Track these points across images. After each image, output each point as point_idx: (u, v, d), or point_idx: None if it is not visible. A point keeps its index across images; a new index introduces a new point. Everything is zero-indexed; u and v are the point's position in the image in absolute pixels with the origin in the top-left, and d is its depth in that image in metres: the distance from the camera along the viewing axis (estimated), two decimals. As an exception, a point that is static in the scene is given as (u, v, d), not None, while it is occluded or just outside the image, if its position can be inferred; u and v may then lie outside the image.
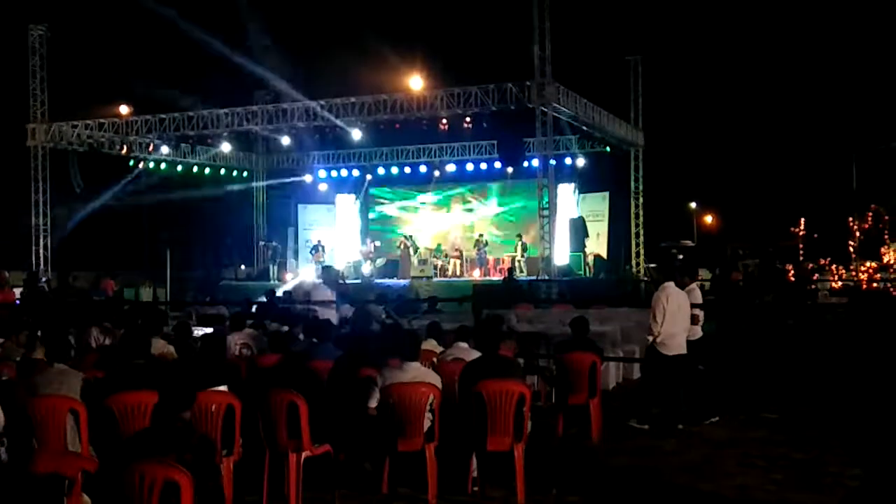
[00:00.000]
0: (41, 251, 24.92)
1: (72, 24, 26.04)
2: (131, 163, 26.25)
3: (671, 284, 9.11)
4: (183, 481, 4.23)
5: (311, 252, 27.42)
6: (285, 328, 10.14)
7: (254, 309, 13.33)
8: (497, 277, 23.41)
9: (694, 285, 9.90)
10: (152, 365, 7.11)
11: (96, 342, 9.60)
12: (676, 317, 8.93)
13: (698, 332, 9.49)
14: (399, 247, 26.65)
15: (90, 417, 6.06)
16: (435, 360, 8.16)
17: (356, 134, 23.59)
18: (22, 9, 25.33)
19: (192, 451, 4.53)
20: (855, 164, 30.69)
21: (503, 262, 25.06)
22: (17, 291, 17.80)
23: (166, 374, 6.76)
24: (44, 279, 22.87)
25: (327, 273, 21.43)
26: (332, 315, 11.37)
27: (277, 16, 31.29)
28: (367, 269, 25.88)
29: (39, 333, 8.53)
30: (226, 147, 26.73)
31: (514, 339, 9.49)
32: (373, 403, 6.75)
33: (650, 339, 8.96)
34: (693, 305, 9.33)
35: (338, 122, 22.71)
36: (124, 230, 26.24)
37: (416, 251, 26.57)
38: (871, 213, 28.39)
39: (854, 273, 26.26)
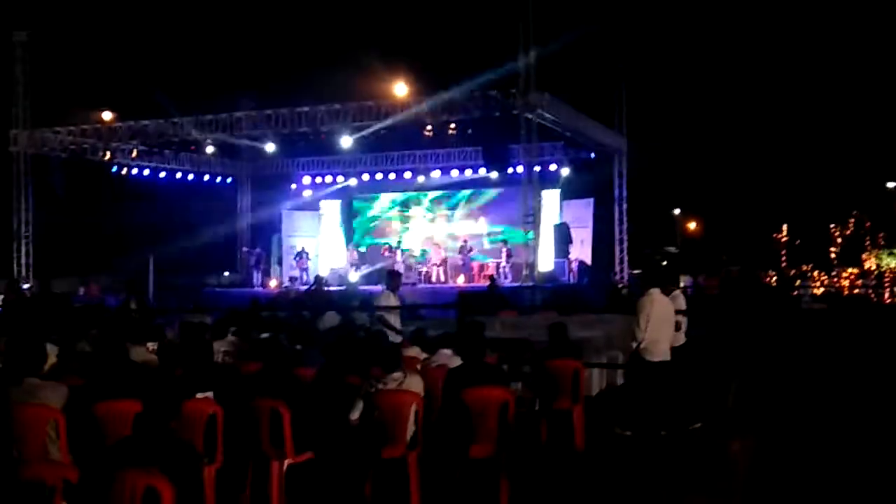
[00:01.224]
0: (23, 258, 24.76)
1: (54, 30, 25.91)
2: (114, 169, 26.13)
3: (656, 291, 9.14)
4: (165, 489, 4.21)
5: (294, 259, 27.38)
6: (268, 335, 10.11)
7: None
8: (482, 284, 23.43)
9: (678, 292, 9.96)
10: (135, 372, 7.08)
11: (80, 350, 9.53)
12: (660, 323, 8.96)
13: (681, 338, 9.54)
14: (383, 254, 26.63)
15: (71, 425, 6.03)
16: (419, 366, 8.17)
17: (345, 141, 23.59)
18: (4, 15, 25.20)
19: (174, 458, 4.51)
20: (837, 170, 30.94)
21: (487, 269, 25.09)
22: (-1, 298, 17.68)
23: (150, 382, 6.73)
24: (25, 286, 22.73)
25: (318, 282, 21.52)
26: (395, 321, 11.29)
27: (263, 22, 31.30)
28: (352, 276, 25.85)
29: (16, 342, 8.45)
30: (210, 153, 26.65)
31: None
32: (354, 415, 6.75)
33: (634, 345, 8.99)
34: (677, 312, 9.37)
35: (322, 128, 22.70)
36: (106, 236, 26.09)
37: (400, 258, 26.55)
38: (852, 220, 28.62)
39: (836, 279, 26.46)
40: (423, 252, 27.27)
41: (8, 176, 24.72)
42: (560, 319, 10.46)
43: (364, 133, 23.17)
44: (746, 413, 4.29)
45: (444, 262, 26.22)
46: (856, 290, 24.13)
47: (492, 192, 27.92)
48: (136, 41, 28.59)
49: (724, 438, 4.61)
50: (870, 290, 23.50)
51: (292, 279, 26.48)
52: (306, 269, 26.87)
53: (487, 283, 21.71)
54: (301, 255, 27.17)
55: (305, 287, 23.93)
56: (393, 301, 11.82)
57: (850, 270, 26.79)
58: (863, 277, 25.96)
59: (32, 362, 6.46)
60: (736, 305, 19.09)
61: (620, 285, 24.40)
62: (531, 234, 21.84)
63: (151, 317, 13.56)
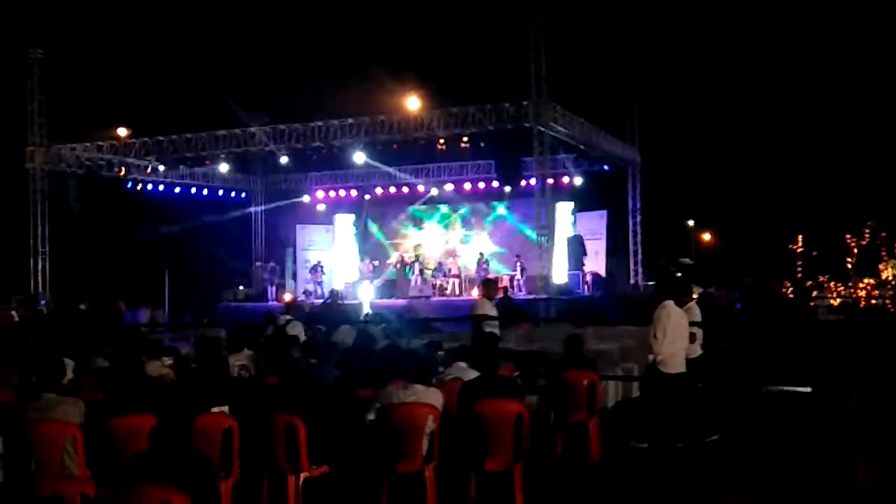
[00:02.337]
0: (39, 274, 24.92)
1: (70, 47, 26.16)
2: (129, 185, 26.30)
3: (670, 303, 9.09)
4: (181, 503, 4.22)
5: (310, 272, 27.43)
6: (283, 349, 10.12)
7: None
8: (497, 297, 23.37)
9: (692, 303, 9.91)
10: (150, 387, 7.11)
11: (96, 365, 9.58)
12: (676, 335, 8.91)
13: (697, 350, 9.49)
14: (396, 267, 26.65)
15: (88, 440, 6.06)
16: (434, 380, 8.16)
17: (359, 157, 23.66)
18: (20, 32, 25.45)
19: (190, 473, 4.53)
20: (852, 181, 30.78)
21: (502, 281, 25.06)
22: (16, 314, 17.79)
23: (165, 397, 6.76)
24: (42, 302, 22.88)
25: (334, 296, 21.56)
26: (495, 329, 11.10)
27: (276, 38, 31.49)
28: (366, 288, 25.87)
29: (36, 357, 8.52)
30: (224, 168, 26.80)
31: (510, 359, 9.50)
32: (370, 416, 6.73)
33: (651, 358, 8.94)
34: (692, 323, 9.33)
35: (335, 143, 22.78)
36: (122, 252, 26.23)
37: (413, 271, 26.60)
38: (867, 230, 28.44)
39: (852, 290, 26.28)
40: (438, 265, 27.29)
41: (24, 192, 24.90)
42: (575, 332, 10.44)
43: (377, 147, 23.25)
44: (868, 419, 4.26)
45: (458, 274, 26.21)
46: (873, 301, 23.95)
47: (504, 206, 27.91)
48: (151, 58, 28.82)
49: (847, 443, 4.55)
50: (887, 301, 23.33)
51: (307, 293, 26.54)
52: (321, 283, 26.92)
53: (501, 295, 21.65)
54: (316, 269, 27.23)
55: (320, 301, 23.97)
56: (489, 309, 11.59)
57: (866, 281, 26.61)
58: (880, 288, 25.78)
59: (50, 377, 6.51)
60: (750, 317, 18.96)
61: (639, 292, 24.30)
62: (544, 240, 21.77)
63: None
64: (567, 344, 9.19)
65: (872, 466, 4.19)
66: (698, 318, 9.74)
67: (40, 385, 6.50)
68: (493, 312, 11.59)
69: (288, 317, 12.58)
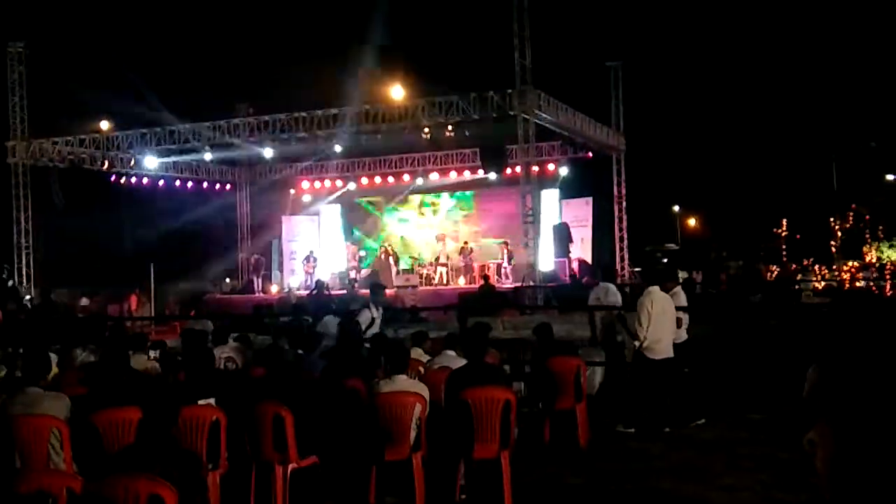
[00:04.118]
0: (23, 268, 24.77)
1: (50, 41, 25.94)
2: (113, 178, 26.13)
3: (656, 289, 9.13)
4: (168, 496, 4.21)
5: (303, 262, 27.40)
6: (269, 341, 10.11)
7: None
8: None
9: (678, 288, 9.94)
10: (136, 380, 7.08)
11: (79, 360, 9.54)
12: (662, 321, 8.95)
13: (683, 335, 9.53)
14: (381, 256, 26.64)
15: (74, 434, 6.03)
16: (422, 369, 8.17)
17: (343, 146, 23.58)
18: (0, 26, 25.22)
19: (176, 465, 4.51)
20: (835, 164, 30.94)
21: (488, 270, 25.09)
22: None
23: (150, 390, 6.73)
24: (27, 297, 22.76)
25: (320, 287, 21.54)
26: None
27: (257, 28, 31.32)
28: (352, 277, 25.85)
29: (20, 351, 8.48)
30: (208, 159, 26.66)
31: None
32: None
33: (637, 344, 8.97)
34: (678, 308, 9.36)
35: (319, 133, 22.69)
36: (106, 245, 26.08)
37: (398, 260, 26.59)
38: (851, 214, 28.60)
39: (837, 273, 26.44)
40: (421, 254, 27.31)
41: (7, 187, 24.72)
42: (556, 319, 10.47)
43: (362, 137, 23.19)
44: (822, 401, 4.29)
45: (445, 263, 26.21)
46: (857, 283, 24.10)
47: (490, 194, 27.89)
48: (133, 50, 28.61)
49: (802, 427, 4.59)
50: (871, 283, 23.47)
51: (301, 283, 26.52)
52: (313, 273, 26.87)
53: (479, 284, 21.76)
54: (308, 259, 27.18)
55: (308, 291, 23.95)
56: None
57: (850, 263, 26.77)
58: (864, 270, 25.95)
59: (35, 372, 6.47)
60: (737, 301, 19.05)
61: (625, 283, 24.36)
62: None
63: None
64: (537, 333, 9.24)
65: (829, 447, 4.24)
66: (684, 303, 9.78)
67: (25, 380, 6.46)
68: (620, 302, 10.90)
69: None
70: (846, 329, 4.51)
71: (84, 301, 23.05)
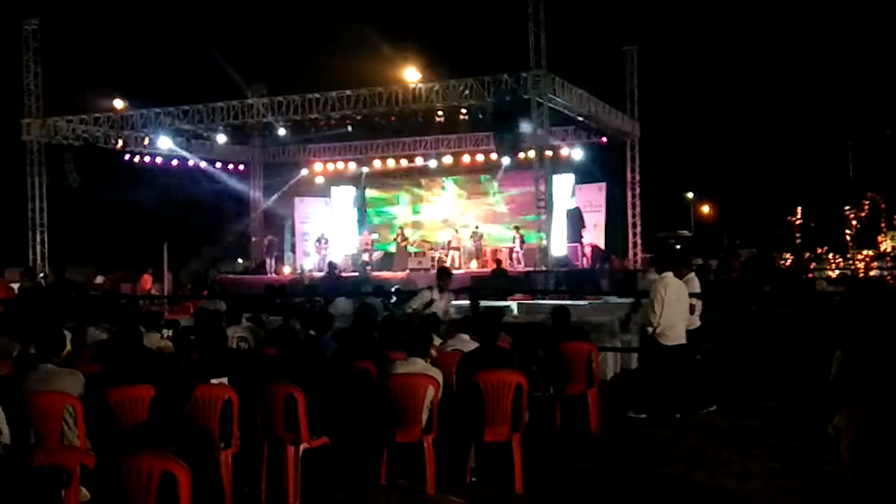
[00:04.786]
0: (38, 247, 24.88)
1: (65, 18, 25.93)
2: (127, 157, 26.17)
3: (669, 275, 9.11)
4: (181, 473, 4.23)
5: (315, 244, 27.43)
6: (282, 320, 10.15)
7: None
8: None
9: (692, 275, 9.91)
10: (149, 358, 7.12)
11: (93, 339, 9.59)
12: (675, 307, 8.93)
13: (696, 321, 9.51)
14: (395, 239, 26.64)
15: (88, 411, 6.07)
16: (434, 352, 8.18)
17: (356, 128, 23.52)
18: (15, 3, 25.22)
19: (190, 443, 4.53)
20: (851, 152, 30.71)
21: (500, 254, 25.08)
22: (16, 287, 17.77)
23: (163, 368, 6.76)
24: (41, 274, 22.86)
25: (332, 268, 21.57)
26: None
27: (273, 8, 31.26)
28: (365, 259, 25.91)
29: (35, 328, 8.52)
30: (221, 140, 26.68)
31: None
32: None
33: (649, 329, 8.96)
34: (691, 295, 9.34)
35: (333, 114, 22.65)
36: (120, 224, 26.17)
37: (412, 243, 26.60)
38: (867, 202, 28.40)
39: (851, 262, 26.30)
40: (434, 238, 27.31)
41: (21, 165, 24.80)
42: (574, 304, 10.46)
43: (376, 119, 23.15)
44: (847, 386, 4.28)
45: (457, 247, 26.21)
46: (871, 273, 23.96)
47: (503, 178, 27.84)
48: (148, 29, 28.61)
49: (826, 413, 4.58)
50: (885, 273, 23.33)
51: (314, 265, 26.59)
52: (325, 256, 26.93)
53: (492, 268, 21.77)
54: (320, 241, 27.21)
55: (320, 273, 24.01)
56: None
57: (865, 252, 26.61)
58: (878, 259, 25.80)
59: (49, 349, 6.51)
60: (749, 289, 18.98)
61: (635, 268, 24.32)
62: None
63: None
64: (554, 316, 9.23)
65: (854, 433, 4.22)
66: (697, 289, 9.75)
67: (39, 356, 6.50)
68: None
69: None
70: (868, 316, 4.50)
71: (99, 279, 23.16)
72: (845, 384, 4.37)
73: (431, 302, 10.70)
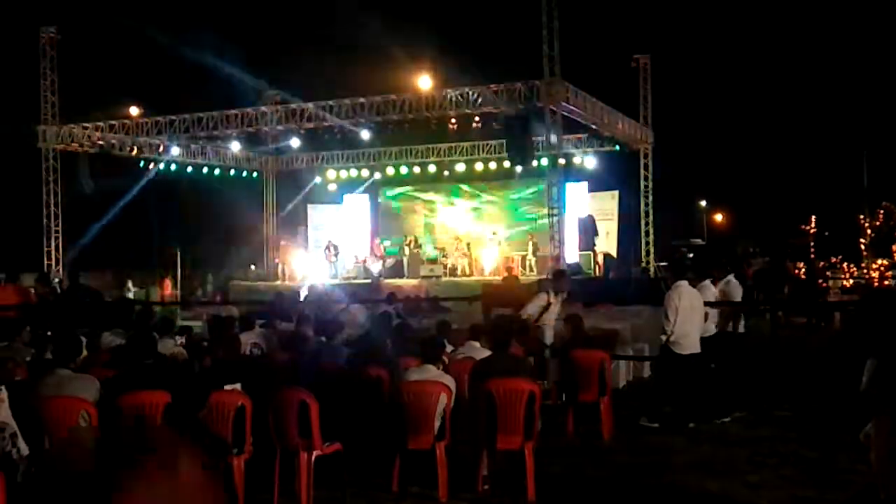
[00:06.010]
0: (52, 252, 25.02)
1: (82, 26, 26.11)
2: (142, 164, 26.32)
3: (684, 283, 9.08)
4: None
5: (325, 251, 27.50)
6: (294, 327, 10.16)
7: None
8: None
9: (707, 282, 9.86)
10: (164, 365, 7.14)
11: (108, 344, 9.63)
12: (690, 315, 8.89)
13: (711, 328, 9.48)
14: (408, 245, 26.67)
15: (101, 417, 6.09)
16: (446, 359, 8.17)
17: (365, 134, 23.58)
18: (32, 11, 25.43)
19: (203, 450, 4.54)
20: (865, 160, 30.56)
21: (512, 261, 25.08)
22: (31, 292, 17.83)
23: (178, 374, 6.79)
24: (56, 280, 22.97)
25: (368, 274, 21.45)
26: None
27: (287, 16, 31.38)
28: (377, 267, 25.92)
29: (50, 333, 8.57)
30: (235, 147, 26.79)
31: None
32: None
33: (664, 338, 8.93)
34: (704, 303, 9.31)
35: (346, 122, 22.71)
36: (135, 231, 26.31)
37: (424, 251, 26.61)
38: (881, 211, 28.23)
39: (865, 271, 26.14)
40: (446, 245, 27.34)
41: (37, 171, 24.97)
42: (587, 312, 10.44)
43: (388, 126, 23.20)
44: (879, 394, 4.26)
45: (469, 254, 26.20)
46: (886, 282, 23.81)
47: (516, 186, 27.86)
48: (163, 36, 28.76)
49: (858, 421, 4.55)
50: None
51: (325, 272, 26.64)
52: (335, 263, 26.98)
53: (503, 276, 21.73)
54: (329, 249, 27.28)
55: (333, 280, 24.05)
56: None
57: (879, 262, 26.44)
58: (893, 268, 25.62)
59: (66, 354, 6.54)
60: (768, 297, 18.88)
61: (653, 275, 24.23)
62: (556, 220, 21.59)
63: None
64: (567, 323, 9.23)
65: (886, 442, 4.19)
66: (711, 297, 9.71)
67: (55, 361, 6.54)
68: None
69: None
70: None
71: (132, 288, 23.35)
72: (877, 393, 4.34)
73: (548, 306, 10.21)
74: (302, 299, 18.06)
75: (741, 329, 10.04)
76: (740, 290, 10.27)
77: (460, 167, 28.11)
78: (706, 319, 9.31)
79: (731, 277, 10.04)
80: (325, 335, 8.64)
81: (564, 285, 10.83)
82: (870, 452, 4.38)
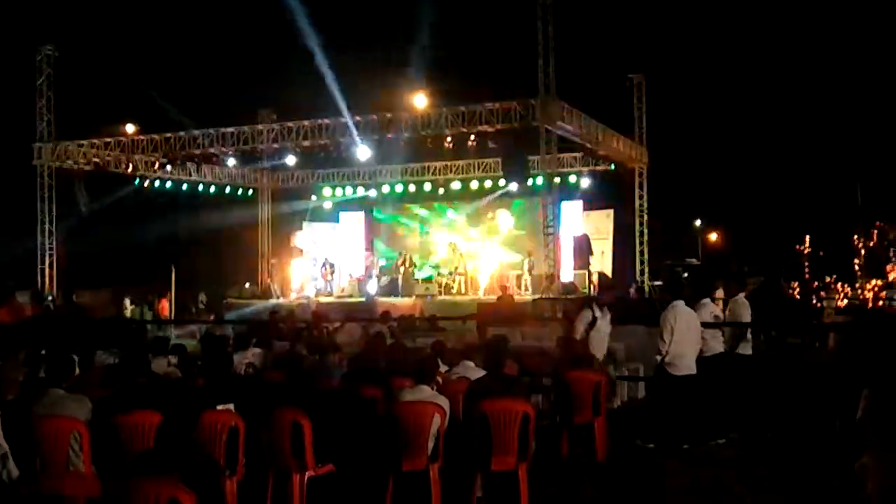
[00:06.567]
0: (46, 270, 24.96)
1: (78, 45, 26.15)
2: (137, 182, 26.31)
3: (680, 303, 9.06)
4: (187, 500, 4.21)
5: (320, 269, 27.47)
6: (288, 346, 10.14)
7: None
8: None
9: (706, 300, 9.84)
10: (157, 384, 7.11)
11: (101, 363, 9.58)
12: (685, 336, 8.86)
13: (717, 347, 9.47)
14: (402, 264, 26.66)
15: (94, 436, 6.06)
16: (440, 379, 8.15)
17: (362, 153, 23.63)
18: (29, 29, 25.46)
19: (196, 470, 4.52)
20: (859, 181, 30.67)
21: (507, 280, 25.06)
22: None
23: (170, 394, 6.76)
24: (49, 298, 22.90)
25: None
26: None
27: (282, 35, 31.42)
28: (371, 285, 25.89)
29: (43, 353, 8.52)
30: (231, 164, 26.80)
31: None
32: None
33: (658, 358, 8.90)
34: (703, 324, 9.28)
35: (342, 140, 22.75)
36: (129, 249, 26.25)
37: (418, 269, 26.60)
38: (876, 231, 28.28)
39: (860, 291, 26.15)
40: (438, 264, 27.34)
41: (32, 189, 24.94)
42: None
43: (384, 145, 23.24)
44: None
45: (463, 273, 26.19)
46: (880, 303, 23.82)
47: (511, 204, 27.89)
48: (159, 55, 28.81)
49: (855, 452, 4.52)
50: (893, 304, 23.19)
51: (318, 290, 26.61)
52: (331, 281, 26.95)
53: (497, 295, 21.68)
54: (325, 266, 27.25)
55: (328, 298, 24.01)
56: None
57: (874, 282, 26.46)
58: (888, 289, 25.64)
59: (58, 373, 6.51)
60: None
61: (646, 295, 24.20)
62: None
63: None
64: (560, 345, 9.22)
65: (883, 473, 4.16)
66: (709, 318, 9.68)
67: (47, 381, 6.51)
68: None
69: None
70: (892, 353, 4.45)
71: (129, 306, 23.30)
72: (872, 423, 4.31)
73: (595, 321, 9.92)
74: (296, 317, 18.01)
75: (749, 351, 9.93)
76: (748, 309, 10.21)
77: (456, 185, 28.14)
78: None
79: (740, 296, 10.01)
80: (321, 354, 8.63)
81: (608, 297, 10.78)
82: (867, 483, 4.36)
